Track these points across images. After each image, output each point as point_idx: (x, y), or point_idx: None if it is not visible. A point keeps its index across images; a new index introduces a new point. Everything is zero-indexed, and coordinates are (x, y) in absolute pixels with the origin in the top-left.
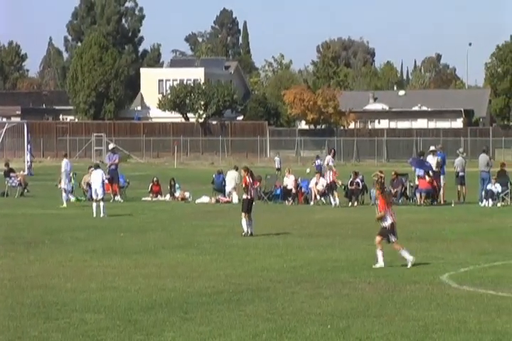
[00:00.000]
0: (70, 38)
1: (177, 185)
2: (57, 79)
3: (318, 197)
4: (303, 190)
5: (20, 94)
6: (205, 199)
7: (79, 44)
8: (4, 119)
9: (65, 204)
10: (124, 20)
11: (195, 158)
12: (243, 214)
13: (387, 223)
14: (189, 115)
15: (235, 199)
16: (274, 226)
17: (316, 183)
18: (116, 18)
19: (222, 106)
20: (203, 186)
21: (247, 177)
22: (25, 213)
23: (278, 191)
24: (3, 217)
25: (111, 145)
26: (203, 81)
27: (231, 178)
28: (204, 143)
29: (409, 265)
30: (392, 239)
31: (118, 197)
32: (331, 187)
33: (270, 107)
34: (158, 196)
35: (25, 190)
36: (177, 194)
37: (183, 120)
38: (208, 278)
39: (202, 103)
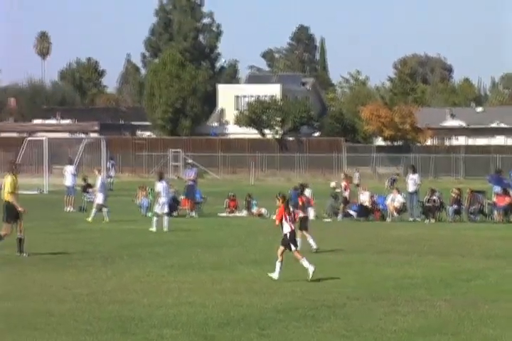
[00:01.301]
0: (147, 54)
1: (254, 201)
2: (134, 95)
3: (394, 213)
4: (379, 206)
5: (98, 109)
6: None
7: (156, 60)
8: (82, 135)
9: (90, 219)
10: (201, 37)
11: (272, 174)
12: (299, 232)
13: (287, 231)
14: (266, 131)
15: (311, 215)
16: (350, 242)
17: (393, 200)
18: (193, 34)
19: (298, 122)
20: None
21: (302, 196)
22: (103, 228)
23: (354, 207)
24: (81, 232)
25: (189, 161)
26: (279, 97)
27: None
28: (280, 160)
29: (311, 274)
30: (293, 247)
31: (193, 213)
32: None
33: (347, 123)
34: (235, 212)
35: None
36: (253, 210)
37: (259, 136)
38: (284, 294)
39: (279, 119)
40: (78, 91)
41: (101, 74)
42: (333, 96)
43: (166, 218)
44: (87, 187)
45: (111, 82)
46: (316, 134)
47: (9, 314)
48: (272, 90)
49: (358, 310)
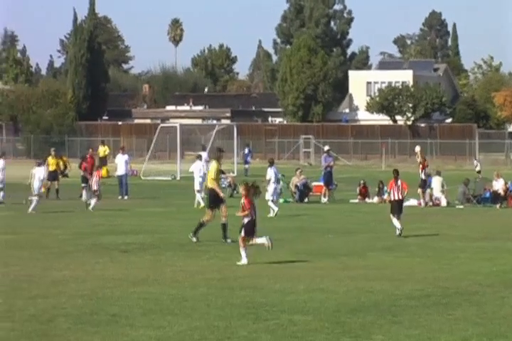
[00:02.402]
0: (279, 40)
1: (385, 188)
2: (266, 81)
3: None
4: None
5: (230, 96)
6: (412, 202)
7: (288, 46)
8: (215, 121)
9: (195, 206)
10: (332, 23)
11: (403, 160)
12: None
13: (246, 219)
14: (397, 117)
15: (444, 202)
16: (483, 229)
17: None
18: (324, 20)
19: (430, 108)
20: (410, 189)
21: (393, 182)
22: (233, 214)
23: (487, 194)
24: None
25: (326, 147)
26: (411, 83)
27: (438, 184)
28: (412, 146)
29: (267, 244)
30: (242, 233)
31: (325, 199)
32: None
33: (479, 110)
34: (366, 198)
35: (235, 191)
36: (385, 196)
37: (390, 122)
38: (415, 281)
39: (410, 105)
40: (210, 77)
41: (233, 60)
42: (465, 82)
43: (272, 204)
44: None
45: (242, 69)
46: (448, 120)
47: (145, 298)
48: (404, 76)
49: (491, 298)
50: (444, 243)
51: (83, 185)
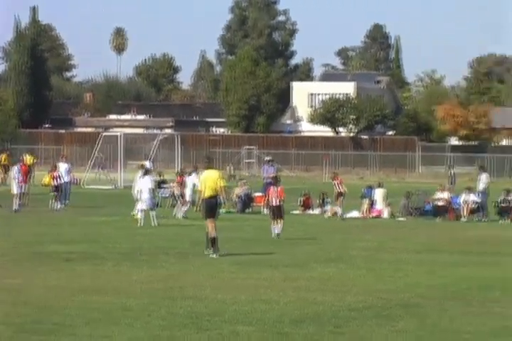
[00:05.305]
0: (222, 51)
1: (328, 199)
2: (209, 91)
3: (465, 213)
4: (454, 206)
5: (173, 105)
6: (355, 213)
7: (231, 57)
8: (157, 131)
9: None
10: (275, 34)
11: (345, 172)
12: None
13: None
14: (340, 129)
15: (386, 214)
16: (425, 242)
17: (467, 199)
18: (268, 31)
19: (372, 120)
20: (352, 200)
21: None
22: (177, 224)
23: (428, 207)
24: (157, 228)
25: (267, 158)
26: (354, 95)
27: (381, 196)
28: (354, 158)
29: None
30: None
31: (266, 210)
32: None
33: (421, 122)
34: (308, 209)
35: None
36: (327, 208)
37: (333, 134)
38: (357, 293)
39: (353, 117)
40: (153, 87)
41: (176, 70)
42: (408, 95)
43: (151, 213)
44: (161, 182)
45: (185, 79)
46: (391, 133)
47: (88, 308)
48: (346, 88)
49: (433, 310)
50: (386, 255)
51: (55, 193)
